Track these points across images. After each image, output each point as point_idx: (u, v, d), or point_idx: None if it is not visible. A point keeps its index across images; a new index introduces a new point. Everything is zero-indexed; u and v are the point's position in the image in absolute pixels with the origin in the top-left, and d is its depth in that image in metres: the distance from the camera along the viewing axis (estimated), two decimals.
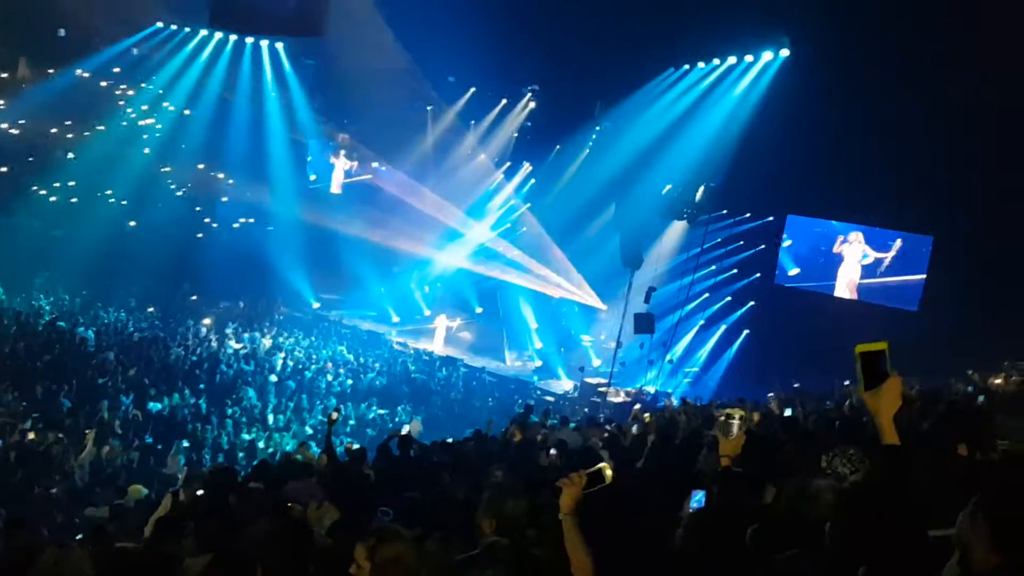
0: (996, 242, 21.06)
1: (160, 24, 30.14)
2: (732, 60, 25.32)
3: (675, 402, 23.21)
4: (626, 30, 23.67)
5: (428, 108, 32.96)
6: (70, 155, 30.45)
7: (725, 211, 27.67)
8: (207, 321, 27.92)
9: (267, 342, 26.38)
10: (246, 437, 17.92)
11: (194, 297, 30.47)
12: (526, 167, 33.29)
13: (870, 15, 20.14)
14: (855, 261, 26.15)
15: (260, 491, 7.93)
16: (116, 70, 30.63)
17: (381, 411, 22.05)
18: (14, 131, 29.70)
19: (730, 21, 22.34)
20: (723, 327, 28.94)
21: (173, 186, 32.84)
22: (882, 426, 2.96)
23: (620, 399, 24.67)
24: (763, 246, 27.85)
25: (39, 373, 17.96)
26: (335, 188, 34.70)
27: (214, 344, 24.28)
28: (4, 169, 29.70)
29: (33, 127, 29.93)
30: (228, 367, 21.79)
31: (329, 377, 23.57)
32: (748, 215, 27.98)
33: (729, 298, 28.70)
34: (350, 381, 23.72)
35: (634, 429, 11.94)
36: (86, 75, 30.01)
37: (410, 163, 33.59)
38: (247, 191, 32.81)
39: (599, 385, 25.67)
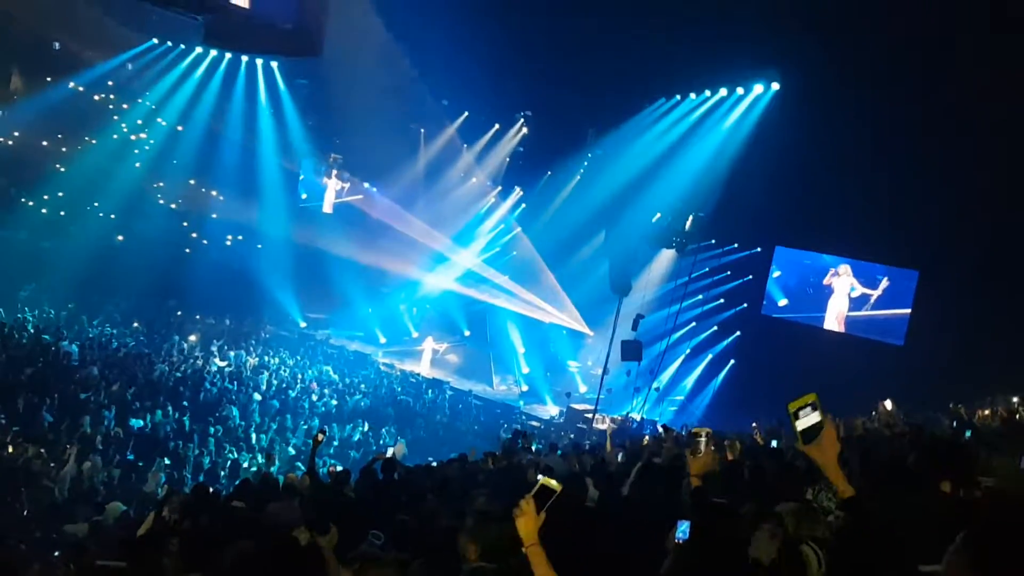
0: (981, 277, 21.24)
1: (155, 40, 30.23)
2: (723, 92, 25.60)
3: (660, 429, 23.23)
4: (619, 60, 23.86)
5: (421, 130, 33.09)
6: (60, 168, 30.34)
7: (713, 241, 27.85)
8: (193, 338, 27.77)
9: (252, 361, 26.23)
10: (229, 456, 17.76)
11: (179, 313, 30.30)
12: (517, 192, 33.41)
13: (860, 51, 20.38)
14: (844, 294, 26.34)
15: (242, 510, 7.87)
16: (110, 84, 30.67)
17: (365, 432, 21.92)
18: (7, 143, 29.63)
19: (722, 54, 22.57)
20: (709, 356, 29.02)
21: (162, 201, 32.77)
22: (832, 479, 2.97)
23: (606, 426, 24.61)
24: (750, 276, 28.01)
25: (21, 386, 17.78)
26: (327, 208, 34.69)
27: (199, 361, 24.12)
28: None
29: (25, 139, 29.87)
30: (212, 385, 21.65)
31: (314, 397, 23.44)
32: (736, 245, 28.19)
33: (716, 327, 28.82)
34: (335, 402, 23.59)
35: (619, 457, 11.92)
36: (80, 89, 30.02)
37: (402, 185, 33.64)
38: (237, 208, 32.76)
39: (585, 411, 25.65)
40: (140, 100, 31.02)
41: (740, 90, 25.16)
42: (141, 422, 17.80)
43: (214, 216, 33.73)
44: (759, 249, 27.94)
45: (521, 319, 32.25)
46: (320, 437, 10.14)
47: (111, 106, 31.27)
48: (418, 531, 5.46)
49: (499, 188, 33.81)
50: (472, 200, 34.01)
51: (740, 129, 25.16)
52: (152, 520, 8.02)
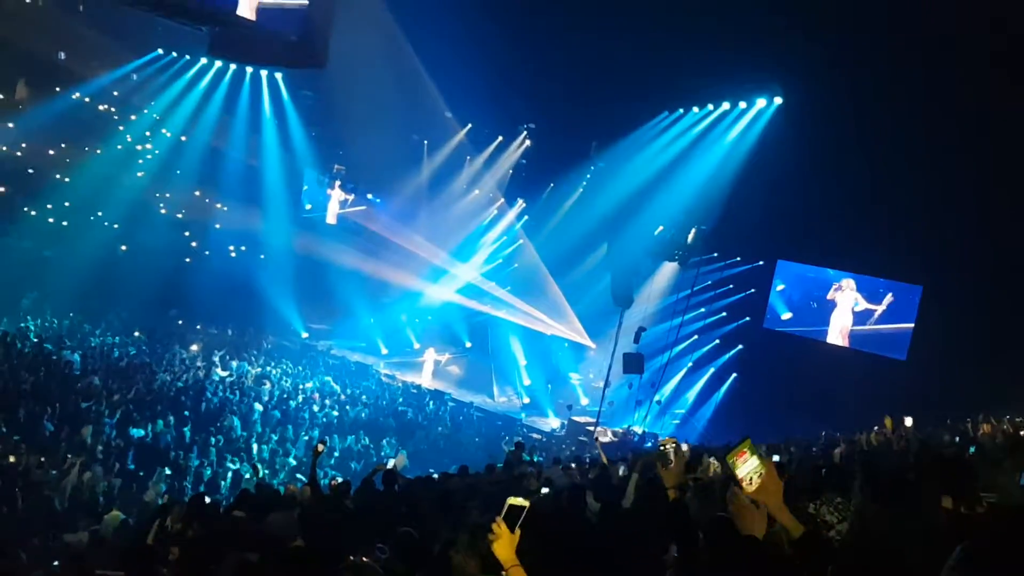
0: (985, 293, 21.23)
1: (160, 51, 30.37)
2: (726, 106, 25.66)
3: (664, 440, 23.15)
4: (622, 73, 23.95)
5: (424, 142, 33.18)
6: (65, 178, 30.42)
7: (716, 254, 27.86)
8: (194, 347, 27.77)
9: (254, 371, 26.22)
10: (230, 466, 17.73)
11: (181, 322, 30.30)
12: (520, 204, 33.45)
13: (862, 66, 20.44)
14: (848, 308, 26.32)
15: (243, 520, 7.86)
16: (115, 95, 30.79)
17: (366, 443, 21.88)
18: (10, 152, 29.72)
19: (725, 68, 22.64)
20: (711, 370, 28.98)
21: (166, 211, 32.83)
22: (782, 522, 2.95)
23: (608, 439, 24.58)
24: (753, 290, 28.01)
25: (23, 395, 17.78)
26: (331, 219, 34.74)
27: (200, 371, 24.11)
28: (2, 190, 29.68)
29: (29, 149, 29.96)
30: (214, 395, 21.63)
31: (315, 408, 23.41)
32: (738, 259, 28.19)
33: (718, 341, 28.79)
34: (336, 412, 23.56)
35: (621, 471, 11.88)
36: (85, 99, 30.14)
37: (405, 196, 33.71)
38: (240, 218, 32.83)
39: (587, 424, 25.60)
40: (145, 110, 31.14)
41: (743, 104, 25.23)
42: (142, 432, 17.79)
43: (217, 226, 33.79)
44: (761, 263, 27.95)
45: (523, 331, 32.25)
46: (320, 448, 10.13)
47: (116, 116, 31.39)
48: (418, 544, 5.44)
49: (502, 200, 33.87)
50: (475, 212, 34.06)
51: (742, 143, 25.22)
52: (156, 530, 8.00)
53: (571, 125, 28.05)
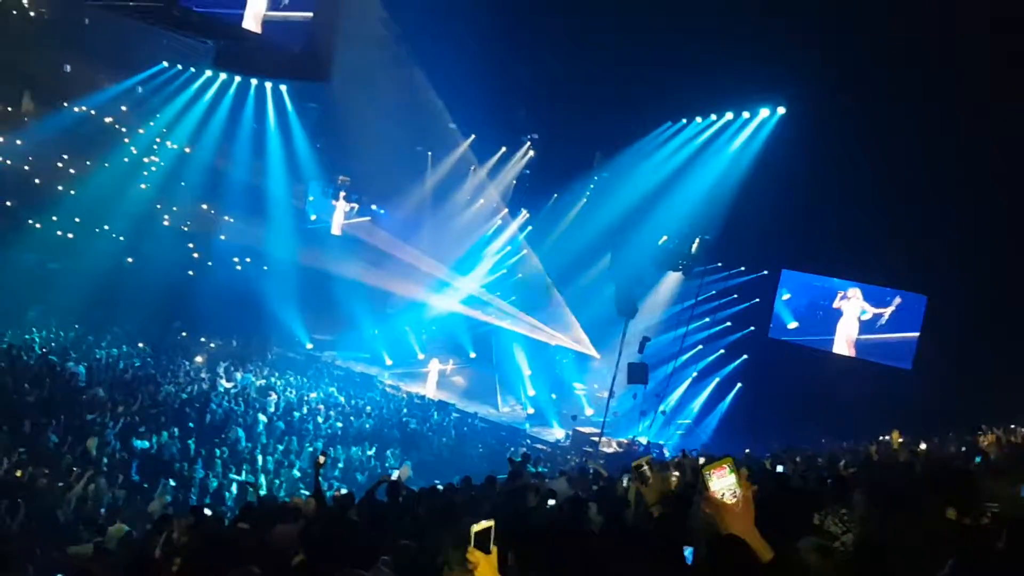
0: (989, 302, 21.20)
1: (165, 64, 30.54)
2: (729, 116, 25.69)
3: (668, 453, 23.17)
4: (625, 83, 24.02)
5: (428, 153, 33.27)
6: (70, 190, 30.56)
7: (720, 264, 27.85)
8: (199, 359, 27.80)
9: (259, 382, 26.22)
10: (235, 478, 17.72)
11: (184, 334, 30.33)
12: (524, 214, 33.50)
13: (866, 76, 20.47)
14: (854, 317, 26.28)
15: (247, 533, 7.86)
16: (121, 108, 30.96)
17: (371, 454, 21.87)
18: (17, 164, 29.87)
19: (728, 78, 22.67)
20: (716, 379, 28.93)
21: (170, 223, 32.94)
22: (754, 547, 2.93)
23: (612, 449, 24.53)
24: (757, 300, 27.98)
25: (28, 407, 17.80)
26: (335, 230, 34.83)
27: (205, 383, 24.12)
28: (8, 204, 29.81)
29: (35, 161, 30.11)
30: (218, 407, 21.63)
31: (320, 419, 23.40)
32: (743, 268, 28.17)
33: (722, 351, 28.75)
34: (340, 424, 23.54)
35: (625, 482, 11.85)
36: (91, 111, 30.29)
37: (409, 207, 33.79)
38: (245, 230, 32.92)
39: (591, 434, 25.55)
40: (150, 123, 31.29)
41: (746, 114, 25.26)
42: (147, 443, 17.79)
43: (222, 238, 33.88)
44: (766, 272, 27.93)
45: (527, 341, 32.24)
46: (322, 460, 10.13)
47: (121, 129, 31.55)
48: (417, 557, 5.44)
49: (506, 210, 33.92)
50: (479, 223, 34.11)
51: (746, 153, 25.23)
52: (162, 542, 8.01)
53: (574, 135, 28.11)
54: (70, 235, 30.36)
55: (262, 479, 17.87)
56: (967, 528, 5.11)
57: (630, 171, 27.89)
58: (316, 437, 21.95)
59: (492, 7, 23.31)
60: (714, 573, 3.54)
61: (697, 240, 26.15)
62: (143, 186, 31.57)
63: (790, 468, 11.93)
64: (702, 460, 11.99)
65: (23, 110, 30.24)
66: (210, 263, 33.67)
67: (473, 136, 32.16)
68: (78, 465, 15.02)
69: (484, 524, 3.37)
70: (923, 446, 12.99)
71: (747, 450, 16.94)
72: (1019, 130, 18.74)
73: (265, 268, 33.64)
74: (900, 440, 12.91)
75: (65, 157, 30.83)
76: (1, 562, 7.32)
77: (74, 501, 13.73)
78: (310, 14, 20.18)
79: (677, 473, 9.58)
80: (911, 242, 22.69)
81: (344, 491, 11.43)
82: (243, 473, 18.04)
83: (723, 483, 2.94)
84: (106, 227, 30.84)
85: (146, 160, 31.77)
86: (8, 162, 29.83)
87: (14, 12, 28.73)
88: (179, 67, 30.74)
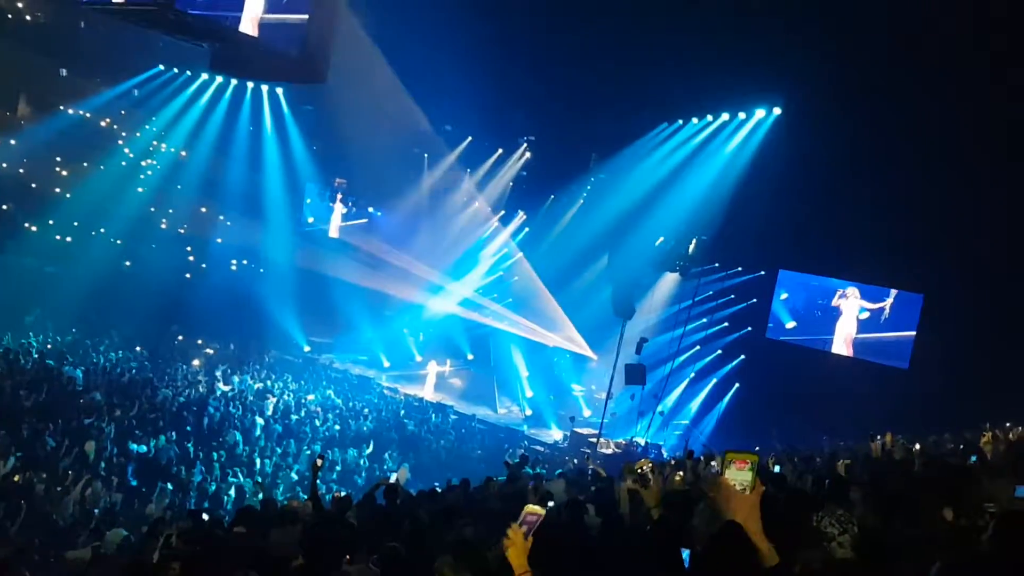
0: (985, 302, 21.23)
1: (161, 67, 30.53)
2: (725, 117, 25.73)
3: (666, 454, 23.18)
4: (621, 84, 24.03)
5: (425, 155, 33.29)
6: (66, 194, 30.53)
7: (717, 264, 27.88)
8: (196, 363, 27.78)
9: (257, 385, 26.21)
10: (233, 481, 17.70)
11: (180, 338, 30.29)
12: (520, 216, 33.51)
13: (861, 76, 20.49)
14: (852, 315, 26.29)
15: (244, 536, 7.85)
16: (117, 111, 30.95)
17: (369, 456, 21.85)
18: (12, 168, 29.83)
19: (723, 79, 22.71)
20: (714, 380, 28.95)
21: (167, 226, 32.92)
22: (755, 539, 2.94)
23: (610, 450, 24.53)
24: (755, 300, 28.00)
25: (25, 412, 17.78)
26: (333, 232, 34.87)
27: (202, 387, 24.10)
28: (5, 207, 29.78)
29: (31, 165, 30.09)
30: (216, 410, 21.61)
31: (317, 422, 23.39)
32: (740, 269, 28.20)
33: (720, 351, 28.76)
34: (337, 426, 23.53)
35: (627, 483, 11.84)
36: (86, 115, 30.27)
37: (406, 209, 33.79)
38: (242, 233, 32.92)
39: (589, 436, 25.55)
40: (146, 126, 31.29)
41: (742, 115, 25.30)
42: (144, 447, 17.77)
43: (219, 241, 33.88)
44: (763, 273, 27.96)
45: (525, 343, 32.24)
46: (319, 463, 10.12)
47: (118, 132, 31.54)
48: (404, 559, 5.44)
49: (502, 212, 33.95)
50: (475, 225, 34.14)
51: (742, 153, 25.27)
52: (161, 547, 8.00)
53: (571, 137, 28.13)
54: (68, 239, 30.34)
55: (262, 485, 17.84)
56: (964, 529, 5.12)
57: (626, 173, 27.91)
58: (314, 440, 21.95)
59: (488, 9, 23.31)
60: (711, 561, 3.53)
61: (694, 241, 26.18)
62: (140, 189, 31.57)
63: (787, 468, 11.94)
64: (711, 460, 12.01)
65: (19, 114, 30.22)
66: (204, 265, 33.63)
67: (469, 138, 32.19)
68: (75, 469, 15.00)
69: (538, 509, 3.44)
70: (917, 446, 13.01)
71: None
72: (1015, 130, 18.79)
73: (262, 271, 33.63)
74: (892, 442, 12.93)
75: (61, 161, 30.80)
76: None
77: (71, 505, 13.71)
78: (307, 16, 20.13)
79: (680, 473, 9.56)
80: (908, 241, 22.71)
81: (343, 494, 11.43)
82: (241, 476, 18.04)
83: (739, 476, 2.96)
84: (103, 231, 30.82)
85: (143, 163, 31.75)
86: (4, 166, 29.80)
87: (9, 16, 28.73)
88: (175, 70, 30.75)
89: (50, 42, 28.66)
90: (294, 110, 31.74)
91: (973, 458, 10.43)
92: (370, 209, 35.37)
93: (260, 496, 12.84)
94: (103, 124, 31.27)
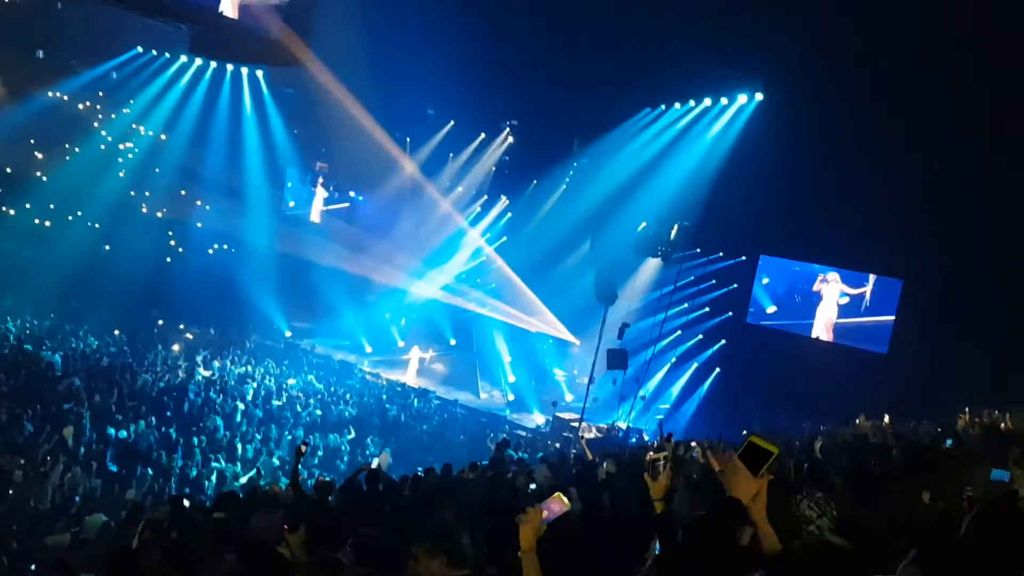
0: (963, 287, 21.40)
1: (140, 49, 30.18)
2: (707, 102, 25.77)
3: (647, 438, 23.29)
4: (604, 70, 24.02)
5: (407, 139, 33.15)
6: (44, 177, 30.19)
7: (698, 250, 27.96)
8: (176, 347, 27.59)
9: (238, 370, 26.08)
10: (215, 466, 17.64)
11: (161, 322, 30.08)
12: (503, 201, 33.46)
13: (843, 61, 20.56)
14: (833, 300, 26.43)
15: (224, 522, 7.81)
16: (95, 93, 30.59)
17: (351, 441, 21.83)
18: None
19: (705, 64, 22.74)
20: (695, 365, 29.08)
21: (147, 210, 32.63)
22: (762, 532, 2.98)
23: (592, 435, 24.60)
24: (735, 285, 28.12)
25: (3, 397, 17.63)
26: (314, 217, 34.70)
27: (182, 372, 23.96)
28: None
29: (8, 148, 29.70)
30: (196, 395, 21.51)
31: (299, 407, 23.32)
32: (721, 254, 28.29)
33: (701, 336, 28.88)
34: (319, 412, 23.48)
35: (605, 465, 11.89)
36: (64, 97, 29.90)
37: (388, 194, 33.65)
38: (222, 217, 32.69)
39: (571, 420, 25.61)
40: (125, 109, 30.94)
41: (724, 100, 25.35)
42: (124, 433, 17.66)
43: (199, 225, 33.62)
44: (744, 258, 28.06)
45: (507, 328, 32.24)
46: (303, 449, 10.11)
47: (95, 115, 31.17)
48: (379, 545, 5.43)
49: (485, 197, 33.90)
50: (458, 209, 34.08)
51: (724, 139, 25.34)
52: (139, 532, 7.96)
53: (553, 122, 28.12)
54: (46, 223, 30.03)
55: (239, 468, 17.81)
56: (942, 512, 5.17)
57: (609, 157, 27.93)
58: (296, 425, 21.89)
59: None
60: (703, 532, 3.55)
61: (676, 226, 26.23)
62: (121, 174, 31.25)
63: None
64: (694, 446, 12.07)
65: None
66: (182, 250, 33.36)
67: (452, 123, 32.08)
68: (54, 455, 14.90)
69: (566, 501, 3.53)
70: (889, 427, 13.15)
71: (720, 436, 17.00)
72: (995, 116, 18.92)
73: (243, 255, 33.40)
74: (868, 424, 13.06)
75: (38, 144, 30.43)
76: None
77: (50, 491, 13.62)
78: None
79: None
80: (888, 227, 22.85)
81: (328, 478, 11.42)
82: (222, 462, 17.98)
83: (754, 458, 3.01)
84: (81, 215, 30.52)
85: (121, 147, 31.41)
86: None
87: None
88: (153, 52, 30.41)
89: (27, 24, 28.26)
90: (274, 93, 31.48)
91: (949, 442, 10.54)
92: (352, 193, 35.20)
93: (262, 482, 12.81)
94: (81, 107, 30.89)
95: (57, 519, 12.42)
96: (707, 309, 28.86)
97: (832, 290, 26.52)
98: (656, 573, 4.07)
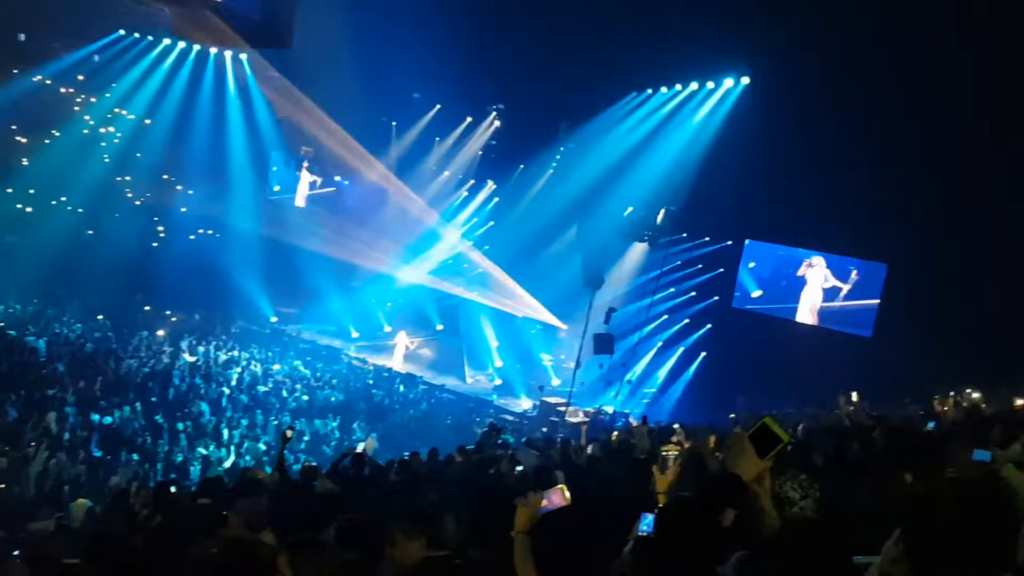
0: (948, 271, 21.49)
1: (122, 32, 29.84)
2: (693, 86, 25.76)
3: (634, 421, 23.36)
4: (590, 54, 23.94)
5: (393, 124, 33.01)
6: (26, 162, 29.89)
7: (685, 235, 27.98)
8: (161, 333, 27.47)
9: (224, 356, 26.00)
10: (201, 452, 17.62)
11: (147, 308, 29.93)
12: (490, 185, 33.38)
13: (829, 45, 20.55)
14: (817, 285, 26.50)
15: (208, 507, 7.81)
16: (77, 77, 30.23)
17: (337, 426, 21.83)
18: None
19: (691, 48, 22.69)
20: (681, 349, 29.16)
21: (130, 195, 32.36)
22: (764, 509, 3.02)
23: (579, 419, 24.66)
24: (722, 270, 28.18)
25: None
26: (300, 201, 34.54)
27: (167, 357, 23.86)
28: None
29: None
30: (181, 381, 21.44)
31: (284, 393, 23.28)
32: (707, 239, 28.31)
33: (687, 320, 28.95)
34: (306, 397, 23.45)
35: (590, 449, 11.94)
36: (46, 81, 29.56)
37: (373, 178, 33.50)
38: (206, 202, 32.46)
39: (558, 405, 25.67)
40: (107, 93, 30.61)
41: (710, 84, 25.34)
42: (109, 418, 17.61)
43: (183, 210, 33.35)
44: (730, 243, 28.11)
45: (494, 313, 32.21)
46: (288, 434, 10.10)
47: (78, 99, 30.83)
48: (360, 528, 5.43)
49: (471, 182, 33.82)
50: (444, 194, 33.99)
51: (710, 123, 25.33)
52: (113, 515, 7.93)
53: (540, 106, 28.02)
54: (28, 208, 29.77)
55: (224, 452, 17.79)
56: (925, 492, 5.20)
57: (596, 142, 27.89)
58: (282, 411, 21.86)
59: None
60: (701, 503, 3.55)
61: (662, 211, 26.24)
62: (105, 157, 30.94)
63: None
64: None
65: None
66: (164, 235, 33.11)
67: (438, 106, 31.95)
68: (38, 441, 14.84)
69: (567, 492, 3.60)
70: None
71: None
72: (981, 99, 18.98)
73: (228, 240, 33.21)
74: (849, 407, 13.16)
75: (19, 128, 30.10)
76: None
77: (34, 477, 13.58)
78: None
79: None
80: (872, 211, 22.91)
81: (314, 463, 11.42)
82: (209, 448, 17.96)
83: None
84: (63, 199, 30.25)
85: (103, 131, 31.11)
86: None
87: None
88: (136, 35, 30.05)
89: (7, 6, 27.88)
90: (258, 76, 31.22)
91: (931, 424, 10.62)
92: (337, 178, 35.03)
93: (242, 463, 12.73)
94: (63, 91, 30.53)
95: (42, 505, 12.37)
96: (693, 293, 28.91)
97: (817, 274, 26.59)
98: (634, 555, 4.07)
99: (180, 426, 18.41)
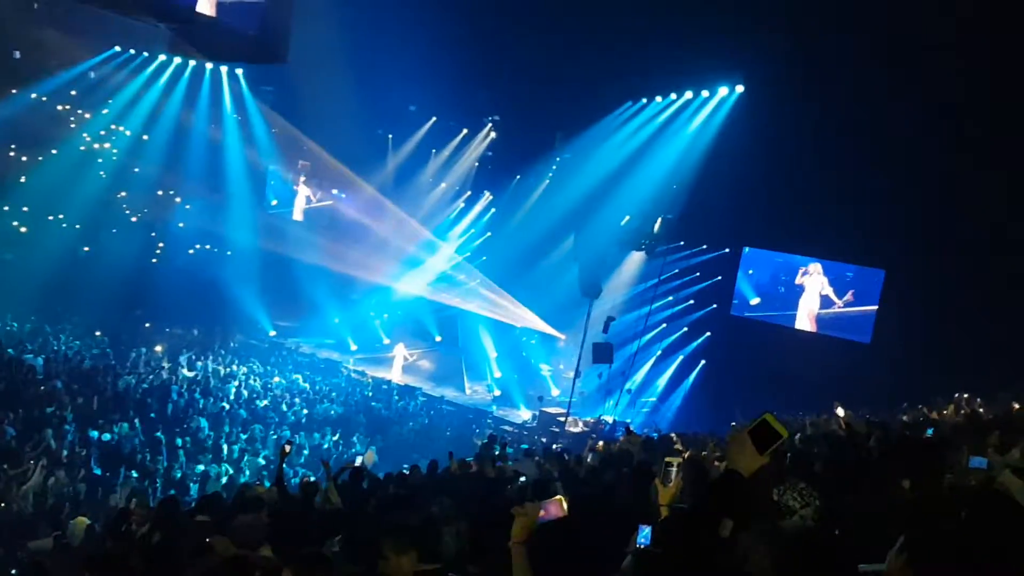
0: (945, 277, 21.53)
1: (118, 48, 29.90)
2: (689, 95, 25.82)
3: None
4: (586, 64, 24.02)
5: (389, 136, 33.07)
6: (23, 179, 29.87)
7: (682, 243, 28.03)
8: (159, 348, 27.42)
9: (223, 370, 25.94)
10: (199, 468, 17.55)
11: (148, 324, 29.90)
12: (487, 196, 33.42)
13: (824, 53, 20.62)
14: (815, 292, 26.54)
15: (207, 524, 7.77)
16: (73, 93, 30.26)
17: (336, 440, 21.77)
18: None
19: (686, 57, 22.77)
20: (680, 357, 29.16)
21: (128, 211, 32.35)
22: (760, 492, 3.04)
23: (578, 429, 24.66)
24: (719, 277, 28.22)
25: None
26: (297, 215, 34.56)
27: (166, 373, 23.81)
28: None
29: None
30: (180, 396, 21.39)
31: (284, 407, 23.23)
32: (704, 247, 28.36)
33: (686, 328, 28.97)
34: (305, 411, 23.39)
35: (589, 459, 11.93)
36: (42, 98, 29.59)
37: (370, 191, 33.54)
38: (204, 217, 32.48)
39: (558, 415, 25.65)
40: (104, 109, 30.64)
41: (705, 93, 25.42)
42: (108, 435, 17.55)
43: (181, 225, 33.37)
44: (727, 250, 28.15)
45: (492, 324, 32.20)
46: (287, 448, 10.07)
47: (74, 116, 30.86)
48: (362, 542, 5.43)
49: (468, 193, 33.86)
50: (441, 206, 34.02)
51: (706, 131, 25.41)
52: (112, 532, 7.90)
53: (536, 117, 28.11)
54: (24, 226, 29.74)
55: (225, 468, 17.72)
56: (924, 500, 5.20)
57: (592, 152, 27.97)
58: (281, 425, 21.81)
59: None
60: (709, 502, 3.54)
61: (659, 219, 26.28)
62: (102, 174, 30.96)
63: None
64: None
65: None
66: (171, 251, 33.13)
67: (434, 118, 32.01)
68: (37, 459, 14.79)
69: (564, 504, 3.58)
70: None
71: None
72: (977, 105, 19.04)
73: (227, 254, 33.24)
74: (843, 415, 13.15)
75: (16, 146, 30.10)
76: None
77: (31, 496, 13.53)
78: None
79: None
80: (869, 218, 22.96)
81: (313, 479, 11.40)
82: (208, 462, 17.89)
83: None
84: (60, 216, 30.24)
85: (99, 147, 31.13)
86: None
87: None
88: (132, 51, 30.10)
89: (3, 24, 27.92)
90: (254, 91, 31.29)
91: (930, 431, 10.61)
92: (335, 191, 35.07)
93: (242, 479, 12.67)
94: (59, 108, 30.55)
95: (40, 523, 12.32)
96: (692, 302, 28.94)
97: (814, 282, 26.64)
98: (635, 566, 4.06)
99: (179, 442, 18.35)
